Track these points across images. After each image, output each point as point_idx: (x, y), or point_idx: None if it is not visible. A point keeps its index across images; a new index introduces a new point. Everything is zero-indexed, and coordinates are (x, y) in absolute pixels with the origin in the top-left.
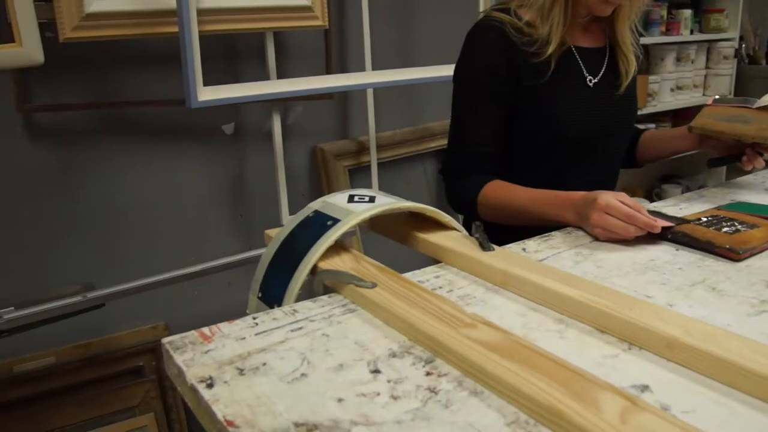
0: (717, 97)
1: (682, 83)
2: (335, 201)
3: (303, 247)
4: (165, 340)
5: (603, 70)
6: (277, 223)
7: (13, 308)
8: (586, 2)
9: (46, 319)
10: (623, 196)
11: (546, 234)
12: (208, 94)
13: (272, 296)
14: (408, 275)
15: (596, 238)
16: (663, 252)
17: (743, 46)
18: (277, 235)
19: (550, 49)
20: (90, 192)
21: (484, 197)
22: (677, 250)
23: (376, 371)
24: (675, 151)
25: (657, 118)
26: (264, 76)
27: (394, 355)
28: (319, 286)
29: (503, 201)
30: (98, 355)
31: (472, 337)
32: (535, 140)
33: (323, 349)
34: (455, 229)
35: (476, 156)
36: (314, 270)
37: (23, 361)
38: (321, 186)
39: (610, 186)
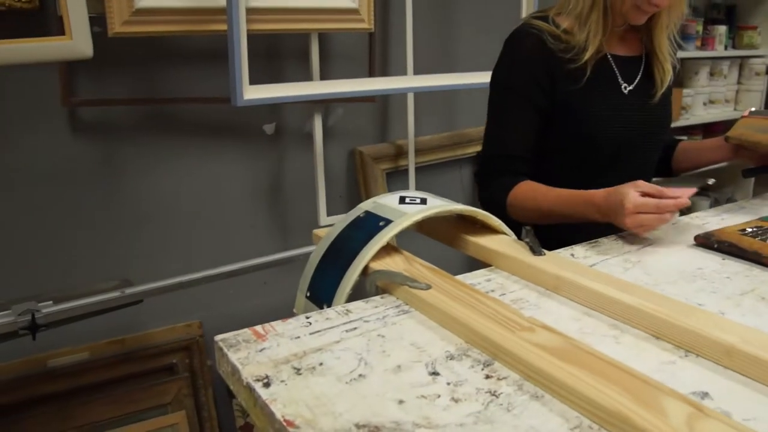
0: (753, 109)
1: (714, 97)
2: (386, 202)
3: (354, 247)
4: (218, 337)
5: (638, 78)
6: (315, 224)
7: (51, 302)
8: (621, 10)
9: (84, 314)
10: (642, 185)
11: (594, 240)
12: (253, 93)
13: (321, 296)
14: (459, 278)
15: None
16: (710, 261)
17: None
18: (327, 234)
19: (587, 56)
20: (131, 188)
21: (514, 198)
22: (723, 259)
23: (435, 373)
24: (710, 162)
25: (689, 131)
26: (305, 76)
27: (451, 357)
28: (372, 286)
29: (532, 202)
30: (132, 351)
31: (532, 340)
32: (569, 146)
33: (380, 350)
34: (504, 233)
35: (509, 160)
36: (366, 271)
37: (57, 356)
38: (358, 188)
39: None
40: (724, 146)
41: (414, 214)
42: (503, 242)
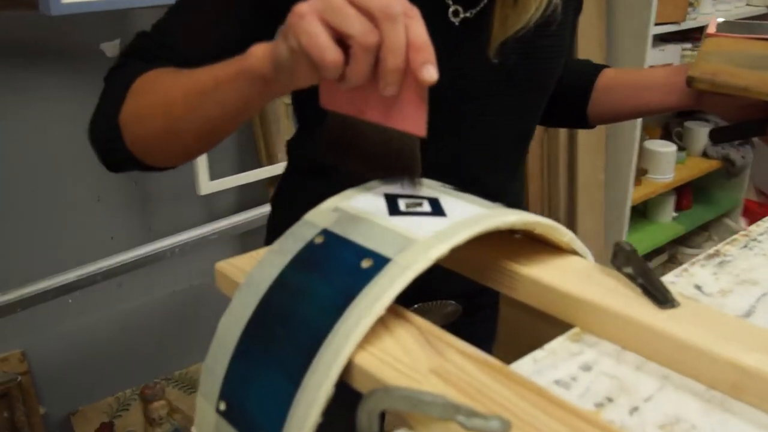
0: (721, 20)
1: None
2: (364, 211)
3: (316, 320)
4: None
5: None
6: (192, 192)
7: None
8: None
9: None
10: None
11: (713, 251)
12: None
13: (255, 416)
14: (516, 365)
15: None
16: None
17: None
18: (250, 280)
19: None
20: None
21: (137, 89)
22: None
23: None
24: (653, 108)
25: (691, 35)
26: None
27: None
28: (372, 417)
29: (157, 91)
30: None
31: None
32: None
33: None
34: (577, 254)
35: (162, 47)
36: (347, 371)
37: None
38: (253, 134)
39: (501, 169)
40: (679, 87)
41: (433, 241)
42: (586, 276)
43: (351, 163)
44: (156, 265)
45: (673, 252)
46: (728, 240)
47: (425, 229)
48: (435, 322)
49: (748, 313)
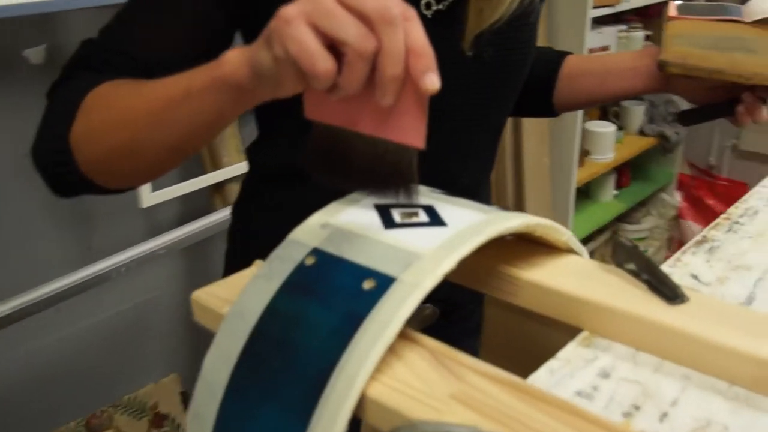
0: (680, 2)
1: None
2: (355, 225)
3: (318, 346)
4: None
5: None
6: (133, 207)
7: None
8: None
9: None
10: None
11: (701, 237)
12: None
13: None
14: (532, 378)
15: None
16: None
17: None
18: (237, 310)
19: None
20: None
21: (90, 105)
22: None
23: None
24: (620, 93)
25: (625, 17)
26: None
27: None
28: None
29: (112, 107)
30: None
31: None
32: None
33: None
34: (574, 252)
35: (111, 53)
36: (360, 407)
37: None
38: None
39: (476, 164)
40: (645, 71)
41: (439, 255)
42: (589, 276)
43: (340, 180)
44: (98, 287)
45: (614, 229)
46: (712, 225)
47: (428, 242)
48: (413, 327)
49: (750, 300)
